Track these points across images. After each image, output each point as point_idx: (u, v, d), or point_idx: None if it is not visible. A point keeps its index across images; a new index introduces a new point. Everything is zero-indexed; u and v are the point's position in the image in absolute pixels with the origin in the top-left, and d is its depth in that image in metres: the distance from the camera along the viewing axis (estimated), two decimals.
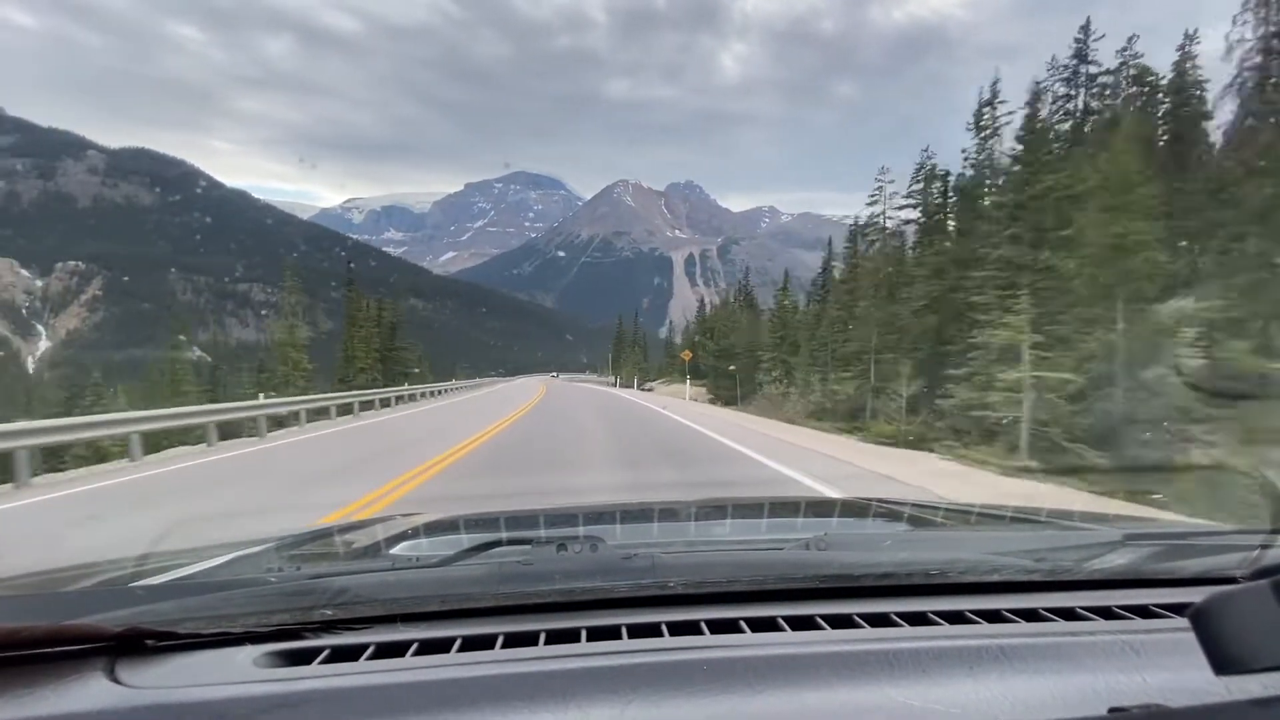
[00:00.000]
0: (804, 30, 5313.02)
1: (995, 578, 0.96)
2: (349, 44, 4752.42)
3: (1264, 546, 0.93)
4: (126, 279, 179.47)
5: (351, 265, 55.30)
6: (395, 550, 1.30)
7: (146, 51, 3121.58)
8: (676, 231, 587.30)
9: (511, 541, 1.16)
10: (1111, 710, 0.60)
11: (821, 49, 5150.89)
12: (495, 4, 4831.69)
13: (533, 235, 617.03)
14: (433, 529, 1.50)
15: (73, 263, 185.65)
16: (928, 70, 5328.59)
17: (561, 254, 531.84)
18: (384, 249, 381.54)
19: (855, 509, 1.94)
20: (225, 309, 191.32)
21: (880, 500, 1.93)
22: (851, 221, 29.54)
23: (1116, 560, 1.02)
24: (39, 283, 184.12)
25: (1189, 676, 0.67)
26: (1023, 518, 1.55)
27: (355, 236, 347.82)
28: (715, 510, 1.80)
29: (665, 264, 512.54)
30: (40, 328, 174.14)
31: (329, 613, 0.83)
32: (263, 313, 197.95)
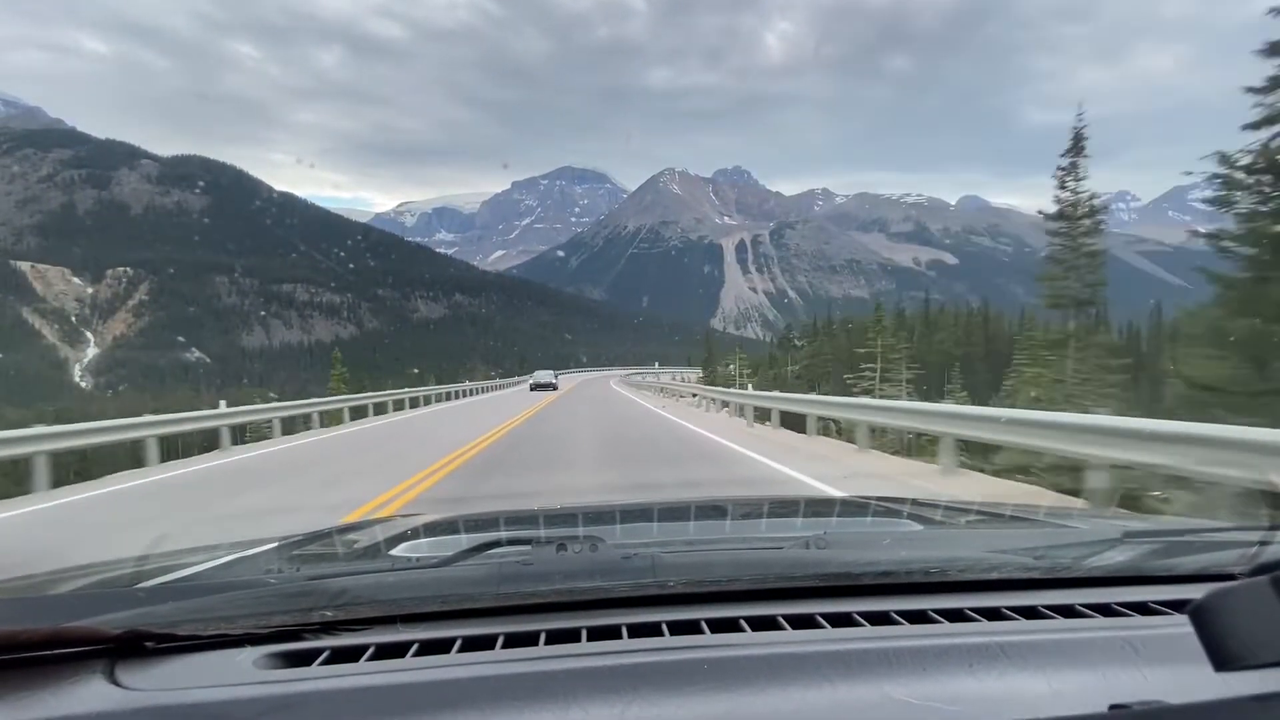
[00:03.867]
0: (852, 2, 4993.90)
1: (994, 575, 0.95)
2: (396, 50, 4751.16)
3: (1262, 543, 0.93)
4: (172, 283, 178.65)
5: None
6: (395, 551, 1.30)
7: (209, 70, 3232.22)
8: (726, 218, 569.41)
9: (511, 541, 1.16)
10: (1112, 707, 0.60)
11: (871, 21, 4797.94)
12: (534, 0, 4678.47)
13: (579, 230, 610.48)
14: (432, 529, 1.50)
15: (122, 269, 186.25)
16: (988, 36, 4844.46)
17: (608, 246, 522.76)
18: (435, 250, 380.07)
19: (854, 508, 1.93)
20: (270, 311, 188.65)
21: (880, 499, 1.93)
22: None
23: (1115, 557, 1.02)
24: (89, 290, 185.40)
25: (1189, 673, 0.66)
26: (1022, 515, 1.55)
27: (407, 239, 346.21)
28: (715, 510, 1.79)
29: (715, 252, 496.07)
30: (89, 334, 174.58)
31: (329, 614, 0.82)
32: (307, 314, 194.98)
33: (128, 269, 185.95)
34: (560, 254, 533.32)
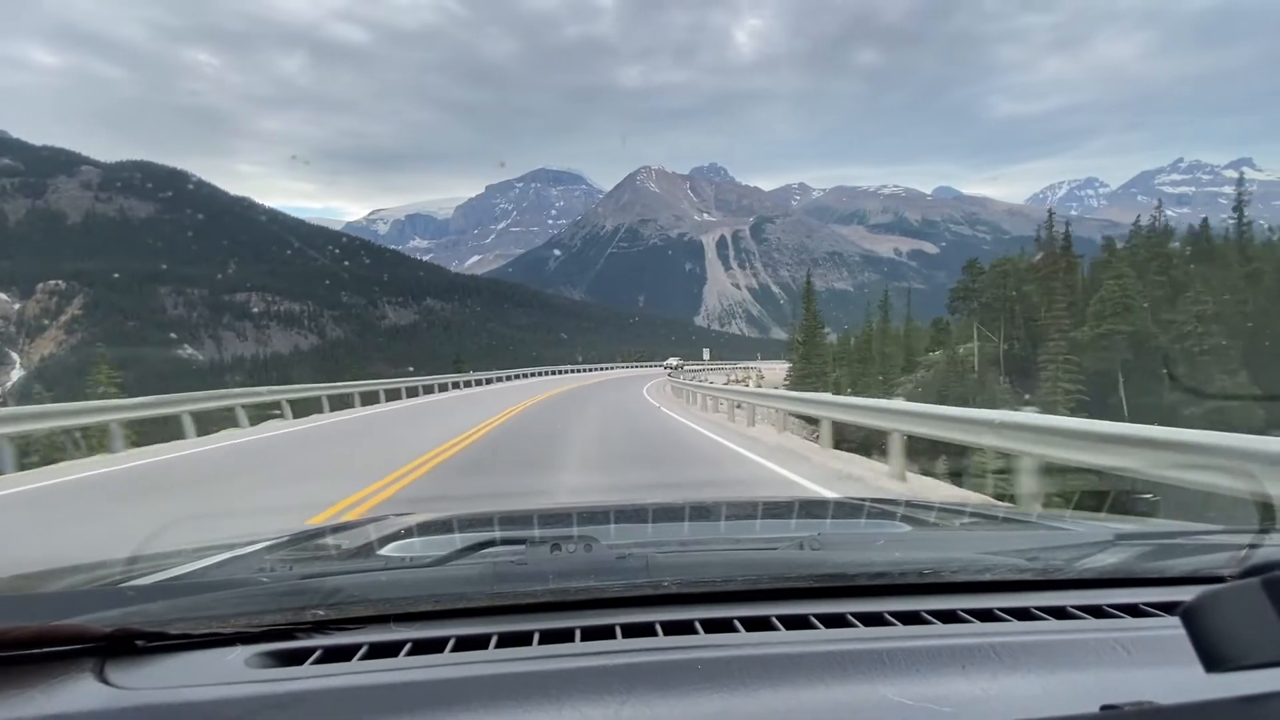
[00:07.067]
0: None
1: (987, 577, 0.95)
2: (359, 55, 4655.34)
3: (1252, 545, 0.94)
4: (110, 296, 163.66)
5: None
6: (388, 550, 1.29)
7: (166, 80, 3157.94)
8: (705, 215, 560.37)
9: (505, 541, 1.15)
10: (1103, 708, 0.60)
11: (840, 15, 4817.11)
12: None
13: (556, 232, 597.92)
14: (426, 528, 1.48)
15: (54, 282, 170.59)
16: (955, 28, 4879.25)
17: (587, 247, 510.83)
18: (408, 256, 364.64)
19: (848, 509, 1.92)
20: (220, 321, 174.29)
21: (874, 500, 1.93)
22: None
23: (1107, 559, 1.03)
24: (16, 306, 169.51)
25: (1179, 674, 0.66)
26: (1014, 517, 1.55)
27: (376, 245, 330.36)
28: (709, 510, 1.79)
29: (696, 248, 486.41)
30: (14, 355, 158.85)
31: (321, 613, 0.82)
32: (263, 324, 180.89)
33: (60, 282, 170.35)
34: (538, 256, 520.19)
